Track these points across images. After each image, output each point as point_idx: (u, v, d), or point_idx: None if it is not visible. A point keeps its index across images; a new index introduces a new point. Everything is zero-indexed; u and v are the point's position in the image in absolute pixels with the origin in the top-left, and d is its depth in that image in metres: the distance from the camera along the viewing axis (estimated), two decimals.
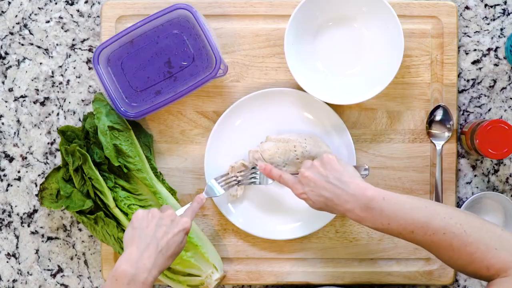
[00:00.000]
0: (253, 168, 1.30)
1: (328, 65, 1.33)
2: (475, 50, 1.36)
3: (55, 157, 1.36)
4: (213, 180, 1.30)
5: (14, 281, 1.37)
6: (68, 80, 1.36)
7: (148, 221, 1.15)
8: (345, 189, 1.14)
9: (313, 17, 1.31)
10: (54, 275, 1.37)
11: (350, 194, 1.13)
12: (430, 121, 1.33)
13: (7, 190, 1.37)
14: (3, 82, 1.36)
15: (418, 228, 1.09)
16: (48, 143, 1.36)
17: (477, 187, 1.36)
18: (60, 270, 1.37)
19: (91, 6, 1.36)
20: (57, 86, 1.36)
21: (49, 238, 1.37)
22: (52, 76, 1.36)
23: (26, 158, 1.36)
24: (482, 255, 1.07)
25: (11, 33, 1.36)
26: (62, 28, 1.36)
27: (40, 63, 1.36)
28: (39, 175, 1.36)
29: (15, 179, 1.37)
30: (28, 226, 1.37)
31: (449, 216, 1.09)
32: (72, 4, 1.36)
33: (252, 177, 1.30)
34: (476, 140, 1.26)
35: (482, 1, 1.36)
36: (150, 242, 1.13)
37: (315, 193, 1.16)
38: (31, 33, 1.36)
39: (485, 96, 1.36)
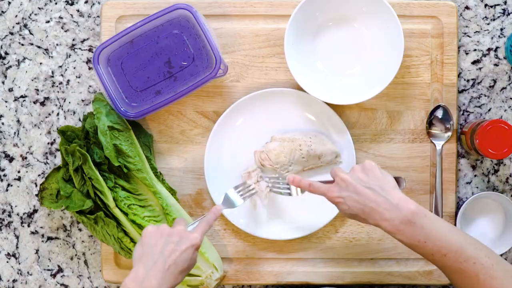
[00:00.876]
0: (278, 179, 1.29)
1: (328, 65, 1.33)
2: (475, 50, 1.36)
3: (55, 157, 1.36)
4: (232, 190, 1.27)
5: (14, 281, 1.37)
6: (68, 80, 1.36)
7: (156, 239, 1.13)
8: (387, 198, 1.11)
9: (313, 17, 1.31)
10: (54, 275, 1.37)
11: (392, 204, 1.10)
12: (430, 121, 1.33)
13: (7, 190, 1.37)
14: (3, 82, 1.36)
15: (452, 252, 1.08)
16: (48, 143, 1.36)
17: (477, 187, 1.36)
18: (60, 270, 1.37)
19: (91, 6, 1.36)
20: (57, 86, 1.36)
21: (49, 238, 1.37)
22: (52, 76, 1.36)
23: (26, 158, 1.36)
24: None
25: (11, 33, 1.36)
26: (62, 28, 1.36)
27: (40, 63, 1.36)
28: (39, 175, 1.36)
29: (15, 179, 1.37)
30: (28, 226, 1.37)
31: (480, 248, 1.09)
32: (72, 4, 1.36)
33: (286, 188, 1.27)
34: (476, 140, 1.26)
35: (482, 1, 1.36)
36: (157, 260, 1.11)
37: (353, 198, 1.13)
38: (31, 33, 1.36)
39: (485, 96, 1.36)
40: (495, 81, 1.36)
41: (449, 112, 1.33)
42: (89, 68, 1.36)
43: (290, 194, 1.26)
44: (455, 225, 1.32)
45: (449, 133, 1.33)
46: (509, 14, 1.36)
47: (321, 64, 1.33)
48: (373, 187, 1.12)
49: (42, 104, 1.36)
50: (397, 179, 1.19)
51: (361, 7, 1.30)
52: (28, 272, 1.37)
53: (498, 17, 1.36)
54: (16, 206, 1.37)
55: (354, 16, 1.32)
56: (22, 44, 1.36)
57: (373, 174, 1.14)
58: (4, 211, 1.37)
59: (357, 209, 1.13)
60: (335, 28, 1.33)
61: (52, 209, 1.35)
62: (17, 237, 1.37)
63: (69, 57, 1.36)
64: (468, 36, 1.36)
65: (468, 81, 1.36)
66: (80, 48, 1.36)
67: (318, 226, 1.32)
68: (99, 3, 1.36)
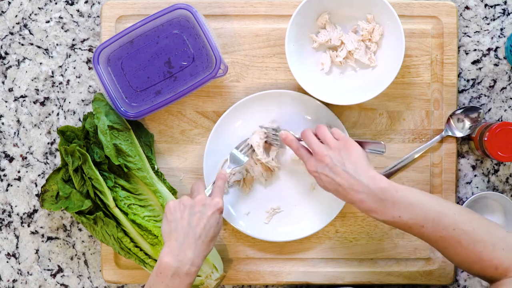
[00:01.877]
0: (275, 130, 1.30)
1: (328, 65, 1.33)
2: (475, 50, 1.36)
3: (55, 157, 1.36)
4: (235, 150, 1.30)
5: (14, 281, 1.37)
6: (68, 80, 1.36)
7: (181, 212, 1.17)
8: (359, 179, 1.13)
9: (314, 17, 1.31)
10: (54, 275, 1.37)
11: (363, 184, 1.13)
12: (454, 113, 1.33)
13: (7, 190, 1.37)
14: (3, 82, 1.36)
15: (429, 222, 1.10)
16: (48, 143, 1.36)
17: (477, 187, 1.36)
18: (60, 270, 1.37)
19: (91, 6, 1.36)
20: (57, 86, 1.36)
21: (49, 238, 1.37)
22: (52, 76, 1.36)
23: (26, 158, 1.36)
24: (491, 255, 1.07)
25: (11, 33, 1.36)
26: (62, 28, 1.36)
27: (40, 63, 1.36)
28: (39, 175, 1.36)
29: (15, 179, 1.37)
30: (28, 226, 1.37)
31: (459, 213, 1.10)
32: (72, 4, 1.36)
33: (274, 139, 1.30)
34: (485, 143, 1.26)
35: (482, 1, 1.36)
36: (187, 233, 1.15)
37: (328, 177, 1.16)
38: (31, 33, 1.36)
39: (485, 96, 1.36)
40: (495, 81, 1.36)
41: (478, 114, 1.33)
42: (89, 68, 1.36)
43: (281, 146, 1.31)
44: None
45: (469, 126, 1.33)
46: (509, 14, 1.36)
47: (321, 64, 1.33)
48: (347, 168, 1.15)
49: (42, 104, 1.36)
50: (374, 143, 1.20)
51: (362, 7, 1.30)
52: (28, 272, 1.37)
53: (498, 17, 1.36)
54: (16, 206, 1.37)
55: (354, 16, 1.32)
56: (22, 44, 1.36)
57: (350, 155, 1.16)
58: (4, 211, 1.37)
59: (331, 188, 1.17)
60: (336, 28, 1.32)
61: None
62: (17, 237, 1.37)
63: (69, 57, 1.36)
64: (468, 36, 1.36)
65: (468, 81, 1.36)
66: (80, 48, 1.36)
67: (319, 227, 1.32)
68: (99, 3, 1.36)
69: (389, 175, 1.34)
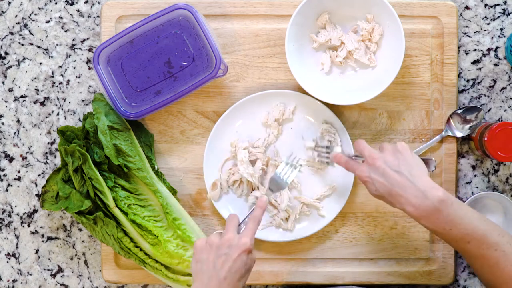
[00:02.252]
0: (327, 148, 1.29)
1: (328, 65, 1.33)
2: (475, 50, 1.36)
3: (55, 157, 1.36)
4: (278, 171, 1.27)
5: (14, 281, 1.37)
6: (68, 80, 1.36)
7: (207, 253, 1.13)
8: (415, 184, 1.11)
9: (314, 17, 1.31)
10: (54, 275, 1.37)
11: (420, 190, 1.10)
12: (454, 113, 1.33)
13: (7, 190, 1.37)
14: (3, 82, 1.36)
15: (475, 239, 1.09)
16: (48, 143, 1.36)
17: (477, 187, 1.36)
18: (60, 270, 1.37)
19: (91, 6, 1.36)
20: (57, 86, 1.36)
21: (49, 238, 1.37)
22: (52, 76, 1.36)
23: (26, 158, 1.36)
24: None
25: (11, 33, 1.36)
26: (62, 28, 1.36)
27: (40, 63, 1.36)
28: (39, 175, 1.36)
29: (15, 179, 1.37)
30: (28, 226, 1.37)
31: (502, 234, 1.11)
32: (72, 4, 1.36)
33: (326, 157, 1.29)
34: (485, 143, 1.26)
35: (482, 1, 1.36)
36: (211, 275, 1.11)
37: (381, 181, 1.14)
38: (31, 33, 1.36)
39: (485, 96, 1.36)
40: (495, 81, 1.36)
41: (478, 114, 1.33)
42: (89, 68, 1.36)
43: (328, 163, 1.30)
44: None
45: (469, 127, 1.33)
46: (509, 14, 1.36)
47: (321, 64, 1.33)
48: (402, 171, 1.13)
49: (42, 104, 1.36)
50: (426, 161, 1.18)
51: (362, 7, 1.30)
52: (28, 272, 1.37)
53: (498, 17, 1.36)
54: (16, 206, 1.37)
55: (354, 16, 1.32)
56: (22, 44, 1.36)
57: (404, 157, 1.14)
58: (4, 211, 1.37)
59: (384, 191, 1.14)
60: (336, 28, 1.32)
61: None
62: (17, 237, 1.37)
63: (69, 57, 1.36)
64: (468, 36, 1.36)
65: (468, 81, 1.36)
66: (80, 48, 1.36)
67: (318, 227, 1.32)
68: (99, 3, 1.36)
69: None
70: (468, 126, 1.33)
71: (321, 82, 1.32)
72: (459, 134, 1.33)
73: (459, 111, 1.33)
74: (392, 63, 1.28)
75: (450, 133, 1.33)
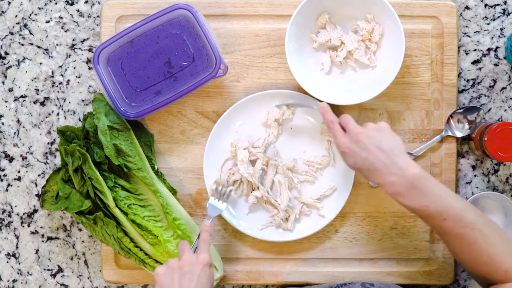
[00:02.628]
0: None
1: (329, 65, 1.33)
2: (475, 50, 1.36)
3: (55, 157, 1.36)
4: (211, 198, 1.29)
5: (14, 281, 1.37)
6: (68, 80, 1.36)
7: (171, 275, 1.14)
8: (394, 161, 1.13)
9: (314, 17, 1.31)
10: (54, 275, 1.37)
11: (398, 167, 1.12)
12: (454, 113, 1.33)
13: (7, 190, 1.37)
14: (3, 82, 1.36)
15: (452, 217, 1.10)
16: (48, 143, 1.36)
17: (477, 187, 1.36)
18: (60, 270, 1.37)
19: (91, 6, 1.36)
20: (57, 86, 1.36)
21: (49, 238, 1.37)
22: (52, 76, 1.36)
23: (26, 158, 1.36)
24: (503, 258, 1.09)
25: (11, 33, 1.36)
26: (62, 28, 1.36)
27: (40, 63, 1.36)
28: (39, 175, 1.36)
29: (15, 179, 1.37)
30: (28, 226, 1.37)
31: (479, 215, 1.11)
32: (72, 4, 1.36)
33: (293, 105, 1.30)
34: (485, 143, 1.26)
35: (482, 1, 1.36)
36: None
37: (361, 155, 1.15)
38: (31, 33, 1.36)
39: (485, 96, 1.36)
40: (495, 81, 1.36)
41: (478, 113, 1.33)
42: (89, 68, 1.36)
43: (299, 106, 1.31)
44: None
45: (469, 127, 1.33)
46: (509, 14, 1.36)
47: (321, 64, 1.33)
48: (383, 147, 1.14)
49: (42, 104, 1.36)
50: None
51: (362, 7, 1.30)
52: (28, 272, 1.37)
53: (498, 17, 1.36)
54: (16, 206, 1.37)
55: (354, 16, 1.32)
56: (22, 44, 1.36)
57: (386, 135, 1.16)
58: (4, 211, 1.37)
59: (362, 165, 1.15)
60: (336, 28, 1.32)
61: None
62: (17, 237, 1.37)
63: (69, 57, 1.36)
64: (468, 36, 1.36)
65: (468, 81, 1.36)
66: (80, 48, 1.36)
67: (318, 228, 1.32)
68: (99, 3, 1.36)
69: None
70: (468, 126, 1.33)
71: (321, 82, 1.32)
72: (459, 134, 1.33)
73: (458, 111, 1.33)
74: (392, 63, 1.28)
75: (450, 133, 1.33)
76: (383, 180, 1.13)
